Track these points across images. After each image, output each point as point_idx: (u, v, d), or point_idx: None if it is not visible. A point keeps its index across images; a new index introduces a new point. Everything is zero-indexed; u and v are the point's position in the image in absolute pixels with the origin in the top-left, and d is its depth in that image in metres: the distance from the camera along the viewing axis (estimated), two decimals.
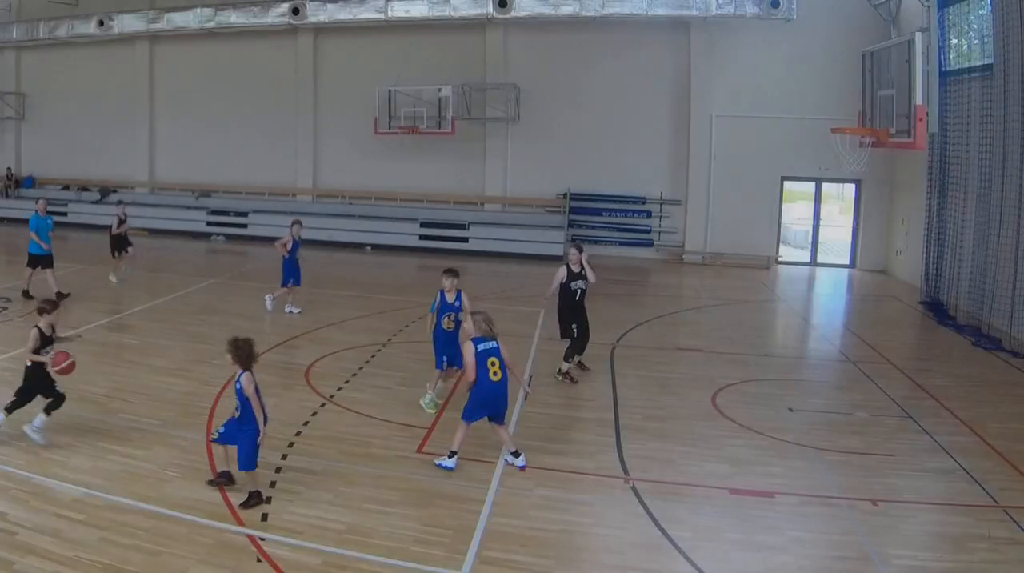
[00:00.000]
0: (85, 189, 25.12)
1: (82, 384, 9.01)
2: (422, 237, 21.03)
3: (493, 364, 7.04)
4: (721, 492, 6.92)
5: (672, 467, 7.47)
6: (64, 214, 24.07)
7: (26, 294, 13.16)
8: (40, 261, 13.35)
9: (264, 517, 6.09)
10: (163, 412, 8.27)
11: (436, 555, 5.67)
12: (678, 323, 14.01)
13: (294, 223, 13.03)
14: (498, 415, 7.18)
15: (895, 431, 8.51)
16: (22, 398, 7.32)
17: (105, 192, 24.76)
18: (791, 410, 9.08)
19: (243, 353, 6.34)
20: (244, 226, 22.24)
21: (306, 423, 8.14)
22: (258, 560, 5.51)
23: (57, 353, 7.29)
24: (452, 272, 8.77)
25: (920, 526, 6.43)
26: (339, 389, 9.27)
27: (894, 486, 7.08)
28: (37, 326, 7.33)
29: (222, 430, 6.52)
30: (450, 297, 8.67)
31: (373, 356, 10.71)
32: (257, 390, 6.35)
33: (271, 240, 13.13)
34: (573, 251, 9.83)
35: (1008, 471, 7.44)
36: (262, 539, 5.77)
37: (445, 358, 8.58)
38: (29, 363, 7.32)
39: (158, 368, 9.81)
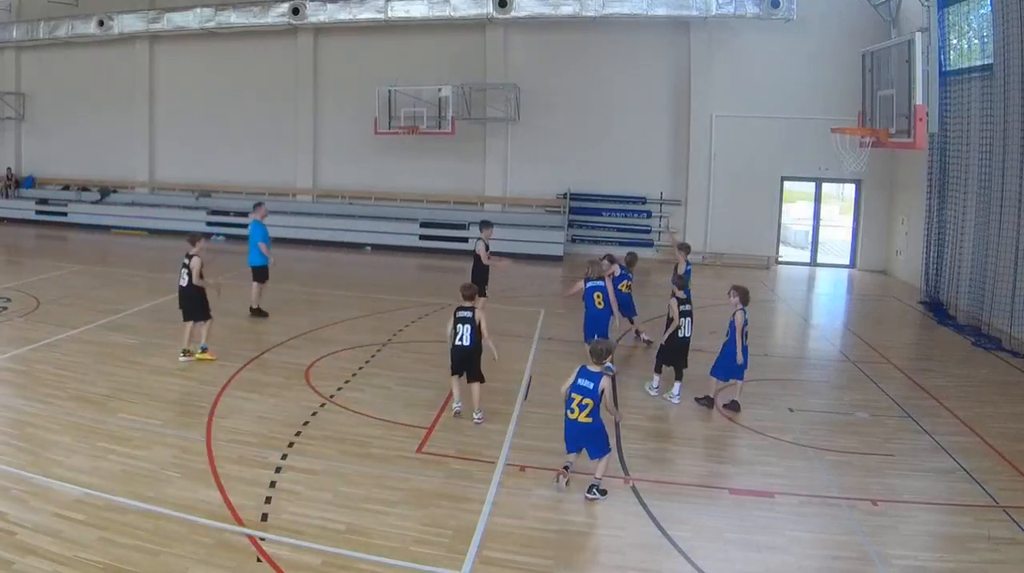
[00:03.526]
0: (85, 189, 25.13)
1: (82, 384, 9.04)
2: (422, 237, 21.03)
3: (598, 297, 10.03)
4: (721, 492, 6.92)
5: (672, 467, 7.47)
6: (64, 214, 24.18)
7: (259, 312, 12.58)
8: (265, 273, 12.67)
9: (264, 517, 6.09)
10: (163, 412, 8.27)
11: (436, 555, 5.67)
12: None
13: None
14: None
15: (895, 431, 8.51)
16: None
17: (105, 192, 24.78)
18: (791, 410, 9.07)
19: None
20: (244, 226, 22.14)
21: (306, 423, 8.14)
22: (258, 560, 5.51)
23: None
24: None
25: (920, 526, 6.42)
26: (339, 389, 9.27)
27: (894, 486, 7.08)
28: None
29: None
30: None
31: (373, 356, 10.71)
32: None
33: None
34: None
35: (1008, 471, 7.45)
36: (262, 539, 5.77)
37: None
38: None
39: (158, 368, 9.81)
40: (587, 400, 6.53)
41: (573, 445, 6.77)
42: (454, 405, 8.42)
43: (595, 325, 10.02)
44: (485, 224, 12.45)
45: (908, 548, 6.01)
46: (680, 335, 9.18)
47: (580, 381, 6.62)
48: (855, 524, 6.34)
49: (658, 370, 9.48)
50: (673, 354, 9.28)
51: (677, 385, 9.19)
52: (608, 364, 6.73)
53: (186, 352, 10.13)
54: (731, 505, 6.68)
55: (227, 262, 19.35)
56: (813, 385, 10.41)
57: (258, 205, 13.29)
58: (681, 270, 10.98)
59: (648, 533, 6.14)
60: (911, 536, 6.24)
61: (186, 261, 10.12)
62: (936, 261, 14.99)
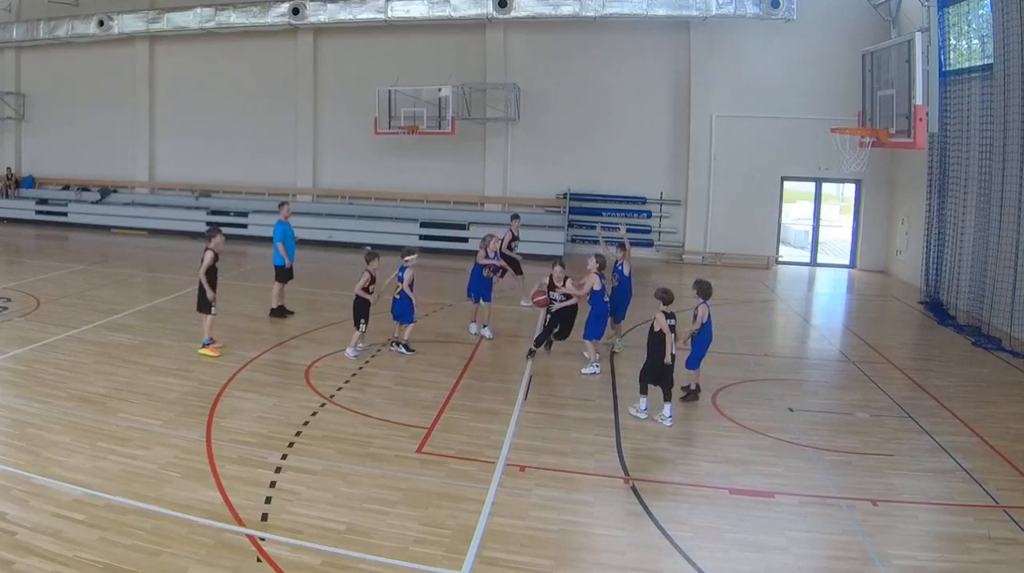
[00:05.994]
0: (85, 189, 25.13)
1: (82, 384, 9.05)
2: (422, 237, 21.02)
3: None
4: (721, 492, 6.92)
5: (672, 467, 7.47)
6: (64, 214, 24.19)
7: (281, 311, 12.61)
8: (288, 274, 12.65)
9: (264, 517, 6.10)
10: (163, 412, 8.27)
11: (436, 555, 5.67)
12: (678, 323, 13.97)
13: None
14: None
15: (895, 431, 8.51)
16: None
17: (105, 192, 24.78)
18: (791, 410, 9.08)
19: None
20: (244, 226, 22.22)
21: (306, 423, 8.14)
22: (258, 560, 5.51)
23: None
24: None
25: (920, 526, 6.42)
26: (339, 389, 9.28)
27: (894, 486, 7.09)
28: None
29: None
30: None
31: (373, 356, 10.72)
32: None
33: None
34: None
35: (1008, 471, 7.45)
36: (262, 539, 5.77)
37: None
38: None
39: (158, 368, 9.81)
40: (399, 283, 10.55)
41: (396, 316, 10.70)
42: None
43: (475, 285, 12.17)
44: (514, 216, 14.79)
45: (908, 548, 6.01)
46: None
47: (397, 273, 10.60)
48: (855, 524, 6.34)
49: (643, 391, 8.62)
50: (658, 372, 8.50)
51: (668, 406, 8.43)
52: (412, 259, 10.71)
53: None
54: (731, 505, 6.68)
55: (226, 262, 19.38)
56: (813, 385, 10.42)
57: (282, 204, 13.24)
58: (627, 271, 11.29)
59: (648, 533, 6.14)
60: (911, 536, 6.24)
61: (203, 255, 10.44)
62: (936, 261, 14.98)
